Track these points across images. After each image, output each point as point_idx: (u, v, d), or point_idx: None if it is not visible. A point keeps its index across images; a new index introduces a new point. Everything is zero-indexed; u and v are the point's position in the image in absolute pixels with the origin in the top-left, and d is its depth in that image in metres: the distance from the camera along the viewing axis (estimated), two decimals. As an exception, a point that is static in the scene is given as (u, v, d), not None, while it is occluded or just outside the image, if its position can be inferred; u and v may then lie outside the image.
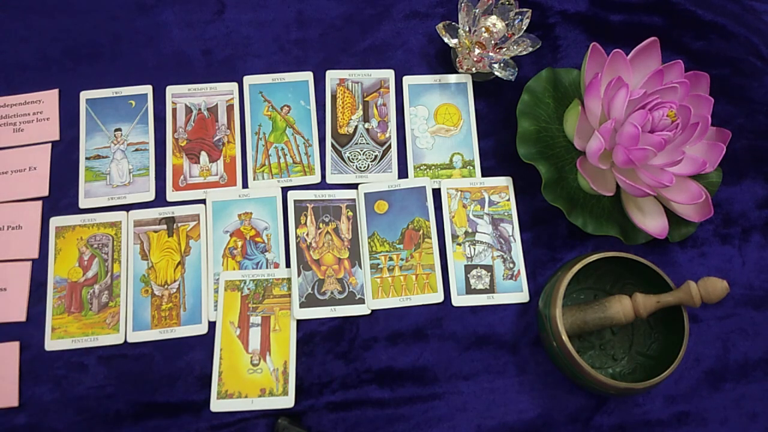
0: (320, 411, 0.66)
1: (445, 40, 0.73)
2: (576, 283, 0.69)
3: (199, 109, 0.75)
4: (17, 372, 0.66)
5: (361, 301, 0.70)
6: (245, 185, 0.73)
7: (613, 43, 0.74)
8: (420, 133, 0.76)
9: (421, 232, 0.72)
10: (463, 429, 0.66)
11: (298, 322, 0.68)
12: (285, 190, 0.73)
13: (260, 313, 0.68)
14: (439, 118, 0.77)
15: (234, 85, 0.76)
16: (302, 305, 0.69)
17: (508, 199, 0.74)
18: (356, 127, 0.76)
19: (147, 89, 0.75)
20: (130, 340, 0.67)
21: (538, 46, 0.73)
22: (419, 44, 0.79)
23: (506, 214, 0.73)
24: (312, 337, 0.68)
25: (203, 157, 0.74)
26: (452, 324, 0.69)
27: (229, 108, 0.76)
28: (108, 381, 0.66)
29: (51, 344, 0.67)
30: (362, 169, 0.74)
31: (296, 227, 0.71)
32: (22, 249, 0.69)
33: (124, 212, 0.71)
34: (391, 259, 0.71)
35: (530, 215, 0.74)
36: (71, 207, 0.71)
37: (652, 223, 0.68)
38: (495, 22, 0.73)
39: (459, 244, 0.72)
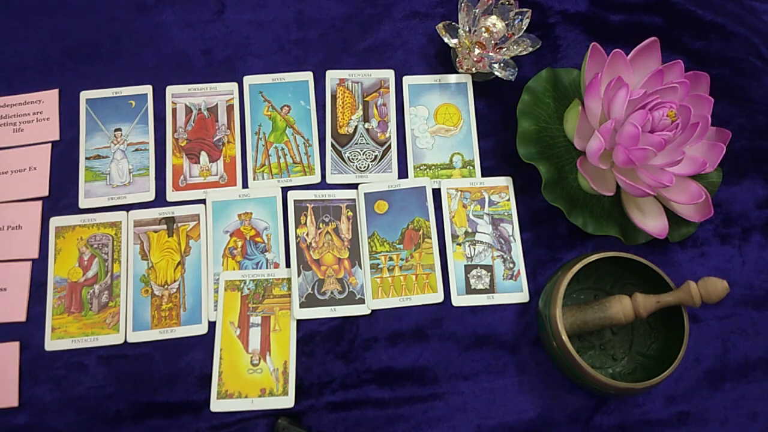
0: (320, 411, 0.66)
1: (445, 40, 0.73)
2: (576, 283, 0.69)
3: (199, 109, 0.75)
4: (17, 372, 0.66)
5: (361, 301, 0.70)
6: (245, 185, 0.73)
7: (613, 43, 0.74)
8: (420, 133, 0.76)
9: (421, 232, 0.72)
10: (463, 429, 0.66)
11: (298, 322, 0.68)
12: (285, 190, 0.73)
13: (260, 313, 0.68)
14: (439, 118, 0.77)
15: (234, 85, 0.76)
16: (302, 305, 0.69)
17: (508, 199, 0.74)
18: (356, 127, 0.76)
19: (147, 89, 0.75)
20: (130, 340, 0.67)
21: (538, 46, 0.73)
22: (419, 44, 0.79)
23: (506, 214, 0.73)
24: (312, 337, 0.68)
25: (203, 157, 0.74)
26: (452, 324, 0.69)
27: (229, 108, 0.75)
28: (108, 381, 0.66)
29: (51, 344, 0.67)
30: (362, 169, 0.74)
31: (296, 227, 0.71)
32: (22, 249, 0.69)
33: (124, 212, 0.71)
34: (391, 259, 0.71)
35: (530, 215, 0.74)
36: (71, 207, 0.71)
37: (652, 223, 0.68)
38: (495, 22, 0.73)
39: (459, 244, 0.72)
